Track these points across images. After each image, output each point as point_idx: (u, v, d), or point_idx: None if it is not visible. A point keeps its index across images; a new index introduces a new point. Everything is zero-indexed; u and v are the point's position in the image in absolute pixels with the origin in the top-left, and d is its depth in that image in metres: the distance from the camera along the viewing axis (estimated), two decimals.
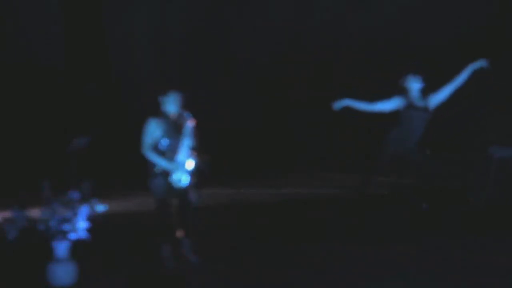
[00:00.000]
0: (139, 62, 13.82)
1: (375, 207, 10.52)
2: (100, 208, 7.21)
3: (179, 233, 8.12)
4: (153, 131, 7.84)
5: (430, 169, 9.95)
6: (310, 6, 13.68)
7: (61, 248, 7.15)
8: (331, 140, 12.76)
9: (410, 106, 9.77)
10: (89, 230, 7.20)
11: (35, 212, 7.18)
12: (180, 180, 7.84)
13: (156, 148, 7.85)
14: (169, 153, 7.85)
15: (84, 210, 7.14)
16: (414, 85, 9.78)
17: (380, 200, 11.12)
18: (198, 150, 7.99)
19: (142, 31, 13.86)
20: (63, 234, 7.10)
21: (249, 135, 12.88)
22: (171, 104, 7.86)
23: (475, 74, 12.28)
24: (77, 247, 7.33)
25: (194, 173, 7.94)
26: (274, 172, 12.58)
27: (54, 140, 10.89)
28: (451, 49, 12.64)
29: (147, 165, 7.93)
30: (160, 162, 7.82)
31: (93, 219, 7.27)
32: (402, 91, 9.86)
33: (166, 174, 7.84)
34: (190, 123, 7.91)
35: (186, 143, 7.89)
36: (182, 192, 7.94)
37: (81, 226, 7.13)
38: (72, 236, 7.13)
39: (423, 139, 10.02)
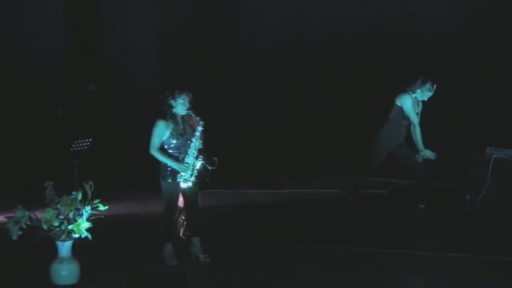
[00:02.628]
0: (138, 61, 13.75)
1: (372, 207, 10.56)
2: (102, 208, 7.24)
3: (185, 233, 8.23)
4: (162, 132, 7.86)
5: (422, 166, 10.03)
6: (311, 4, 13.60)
7: (64, 247, 7.20)
8: (331, 141, 12.73)
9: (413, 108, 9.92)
10: (92, 230, 7.22)
11: (38, 212, 7.20)
12: (187, 180, 7.90)
13: (163, 149, 7.90)
14: (177, 154, 7.91)
15: (86, 211, 7.18)
16: (427, 94, 9.80)
17: (379, 200, 11.18)
18: (206, 152, 8.03)
19: (141, 27, 13.74)
20: (66, 234, 7.14)
21: (248, 136, 12.83)
22: (180, 106, 7.85)
23: (472, 74, 12.34)
24: (79, 246, 7.38)
25: (200, 174, 7.99)
26: (274, 172, 12.57)
27: (57, 141, 10.89)
28: (447, 48, 12.66)
29: (159, 166, 7.98)
30: (168, 162, 7.86)
31: (95, 219, 7.31)
32: (405, 87, 9.89)
33: (175, 174, 7.90)
34: (199, 126, 7.94)
35: (195, 144, 7.93)
36: (191, 193, 8.02)
37: (83, 226, 7.16)
38: (75, 236, 7.18)
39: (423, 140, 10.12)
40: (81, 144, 9.19)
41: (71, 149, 9.13)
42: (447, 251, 8.37)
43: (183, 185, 7.92)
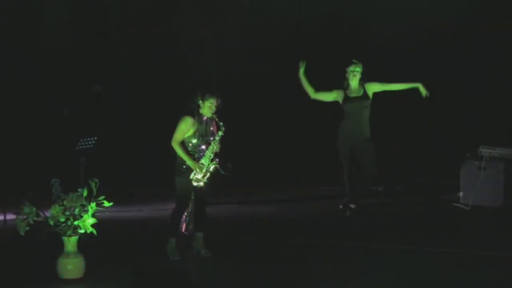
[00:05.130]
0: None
1: (366, 207, 10.66)
2: (107, 205, 7.38)
3: (187, 229, 8.38)
4: (187, 129, 8.03)
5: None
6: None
7: (70, 242, 7.37)
8: (331, 140, 12.75)
9: (347, 98, 10.16)
10: (96, 226, 7.37)
11: (45, 209, 7.36)
12: (199, 180, 8.07)
13: (184, 145, 8.07)
14: (195, 153, 8.09)
15: (92, 207, 7.33)
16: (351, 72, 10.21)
17: (376, 197, 11.30)
18: (221, 157, 8.17)
19: None
20: (72, 230, 7.31)
21: (248, 135, 12.82)
22: (207, 109, 8.01)
23: (468, 73, 12.42)
24: (85, 242, 7.55)
25: (212, 177, 8.15)
26: (273, 173, 12.64)
27: (63, 140, 10.95)
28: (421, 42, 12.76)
29: (175, 162, 8.13)
30: (186, 159, 8.01)
31: (100, 215, 7.48)
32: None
33: (189, 172, 8.06)
34: (220, 131, 8.11)
35: (213, 148, 8.10)
36: (201, 189, 8.17)
37: (89, 222, 7.33)
38: (81, 231, 7.34)
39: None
40: (86, 143, 9.31)
41: (77, 148, 9.25)
42: (440, 247, 8.44)
43: (194, 183, 8.10)
